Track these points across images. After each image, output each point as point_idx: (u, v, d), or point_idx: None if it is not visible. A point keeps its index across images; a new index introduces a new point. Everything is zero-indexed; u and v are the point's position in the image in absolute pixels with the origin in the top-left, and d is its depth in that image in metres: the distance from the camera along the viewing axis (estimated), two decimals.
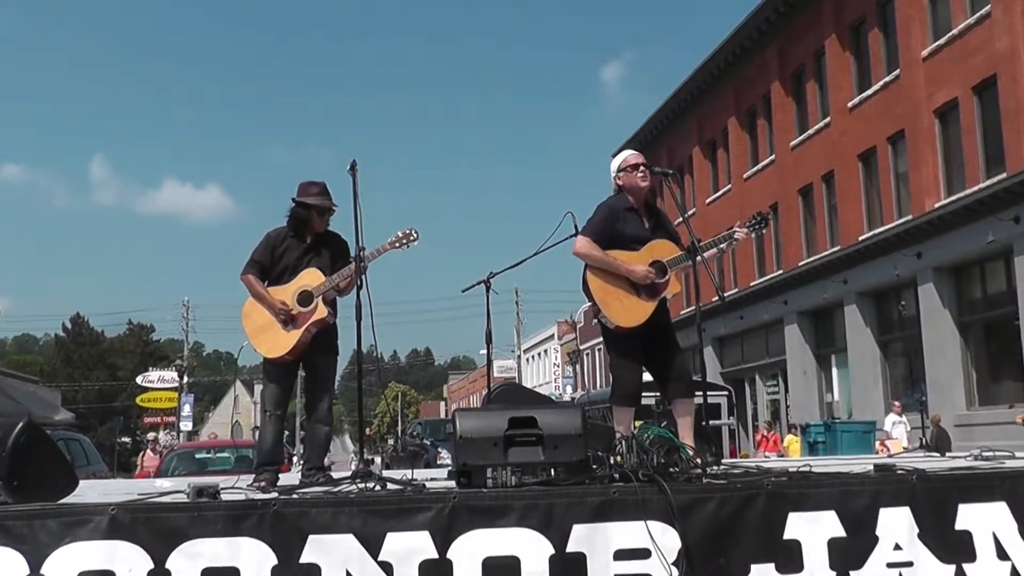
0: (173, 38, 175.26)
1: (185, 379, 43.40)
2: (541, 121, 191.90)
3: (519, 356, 52.68)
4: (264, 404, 5.08)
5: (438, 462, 15.76)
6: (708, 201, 29.91)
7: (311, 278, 5.05)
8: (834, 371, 24.02)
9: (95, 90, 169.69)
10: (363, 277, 4.77)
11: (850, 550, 3.58)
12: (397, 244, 5.03)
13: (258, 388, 37.65)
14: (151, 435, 13.06)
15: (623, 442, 3.97)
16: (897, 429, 17.63)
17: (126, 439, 52.13)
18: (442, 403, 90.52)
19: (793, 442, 18.99)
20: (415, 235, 5.02)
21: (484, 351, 7.56)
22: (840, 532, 3.59)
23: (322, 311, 5.00)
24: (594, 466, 3.88)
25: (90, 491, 4.38)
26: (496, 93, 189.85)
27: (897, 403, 18.56)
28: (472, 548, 3.37)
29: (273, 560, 3.28)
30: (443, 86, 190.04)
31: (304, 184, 5.16)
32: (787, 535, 3.57)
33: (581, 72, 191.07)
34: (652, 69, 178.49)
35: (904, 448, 14.72)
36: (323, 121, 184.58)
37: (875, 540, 3.61)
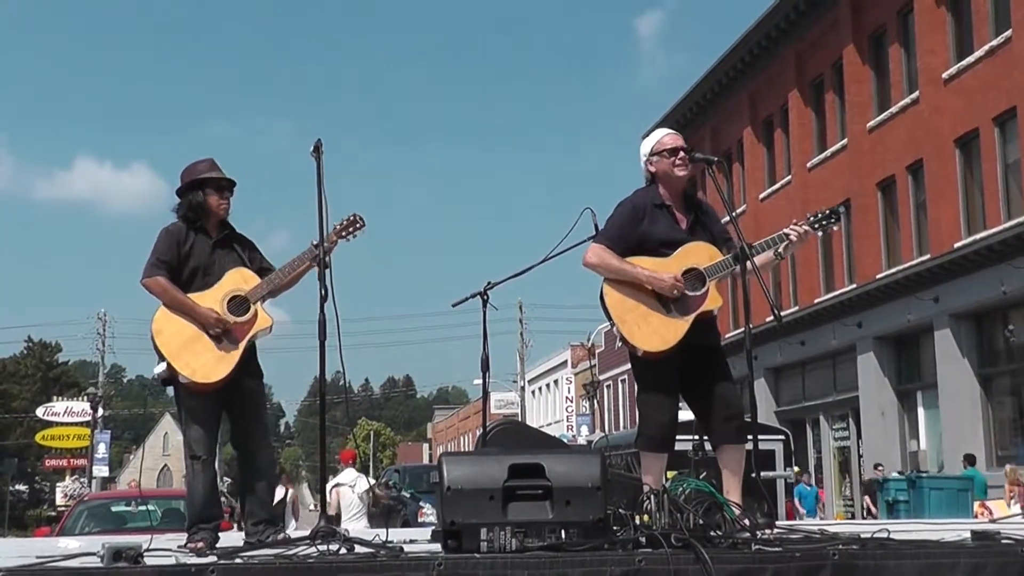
0: None
1: (100, 412, 43.45)
2: (554, 90, 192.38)
3: (522, 388, 52.69)
4: (190, 448, 5.05)
5: (419, 520, 15.85)
6: (762, 196, 29.98)
7: (240, 279, 5.11)
8: (920, 412, 23.99)
9: None
10: (328, 285, 4.81)
11: None
12: (343, 234, 5.11)
13: None
14: None
15: (652, 497, 3.99)
16: None
17: (22, 487, 52.09)
18: (425, 445, 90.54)
19: None
20: (361, 222, 5.12)
21: (479, 381, 7.57)
22: None
23: (265, 319, 5.09)
24: (615, 527, 3.89)
25: None
26: (500, 51, 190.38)
27: None
28: None
29: None
30: (431, 40, 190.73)
31: (187, 167, 5.27)
32: None
33: (609, 25, 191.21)
34: (698, 24, 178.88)
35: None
36: (279, 87, 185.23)
37: None
